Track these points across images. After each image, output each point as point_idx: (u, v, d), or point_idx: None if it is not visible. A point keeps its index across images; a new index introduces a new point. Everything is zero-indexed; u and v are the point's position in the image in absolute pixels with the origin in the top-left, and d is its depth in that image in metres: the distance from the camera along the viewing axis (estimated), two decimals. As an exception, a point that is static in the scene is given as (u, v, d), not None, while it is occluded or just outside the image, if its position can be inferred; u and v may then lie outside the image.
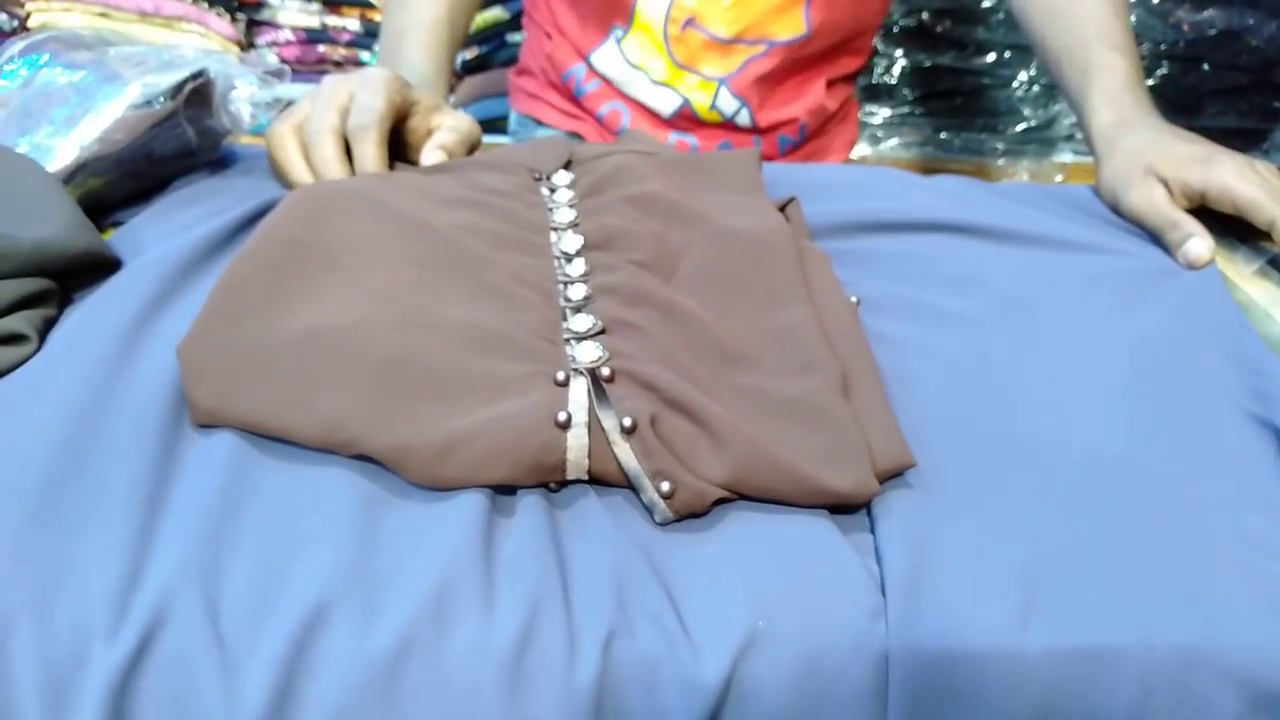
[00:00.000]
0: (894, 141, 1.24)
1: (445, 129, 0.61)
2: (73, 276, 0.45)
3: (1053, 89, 1.20)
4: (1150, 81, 1.21)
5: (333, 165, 0.55)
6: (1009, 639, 0.35)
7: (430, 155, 0.59)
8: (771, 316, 0.46)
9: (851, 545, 0.37)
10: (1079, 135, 1.27)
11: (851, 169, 0.70)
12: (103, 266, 0.46)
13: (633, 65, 0.84)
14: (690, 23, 0.81)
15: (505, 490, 0.38)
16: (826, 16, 0.82)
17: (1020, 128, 1.22)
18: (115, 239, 0.50)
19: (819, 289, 0.49)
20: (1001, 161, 1.22)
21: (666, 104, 0.85)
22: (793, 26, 0.82)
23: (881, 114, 1.24)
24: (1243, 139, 1.25)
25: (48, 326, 0.42)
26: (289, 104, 0.61)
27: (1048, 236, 0.59)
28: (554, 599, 0.34)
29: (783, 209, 0.56)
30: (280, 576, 0.34)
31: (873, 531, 0.38)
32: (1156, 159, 0.62)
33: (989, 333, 0.50)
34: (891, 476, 0.39)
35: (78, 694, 0.32)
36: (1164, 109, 1.23)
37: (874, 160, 1.24)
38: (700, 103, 0.84)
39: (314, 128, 0.56)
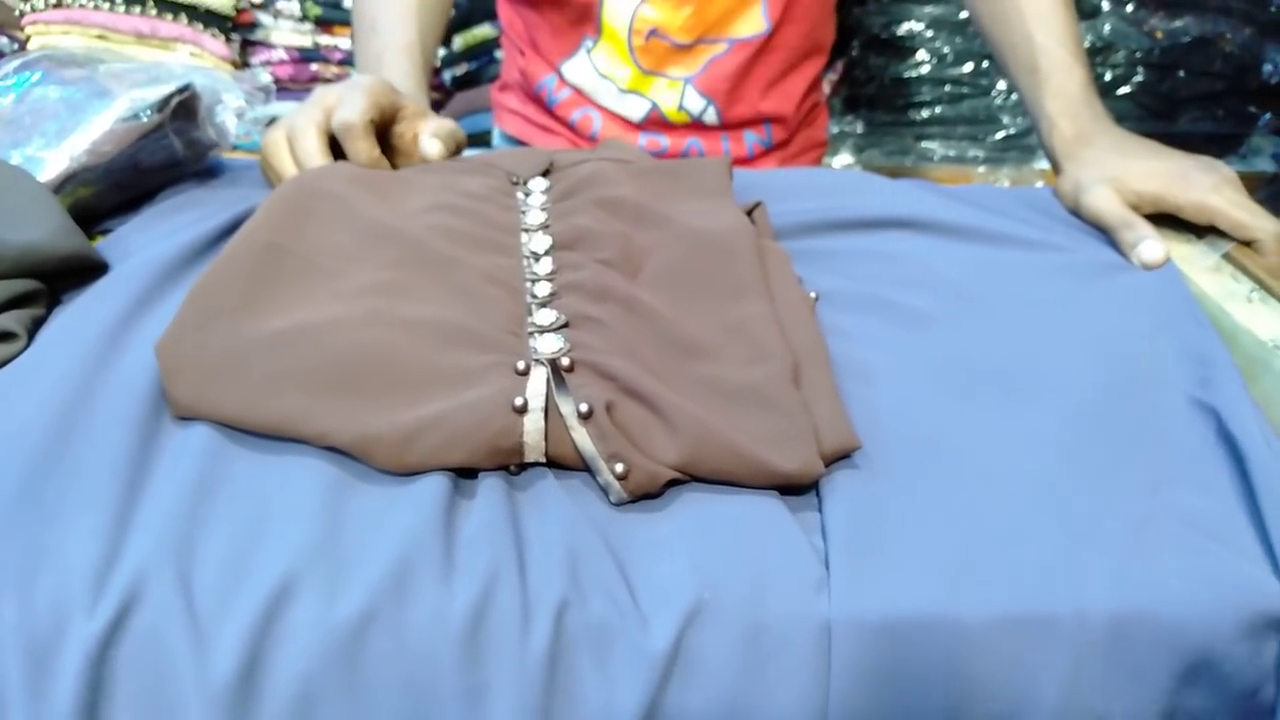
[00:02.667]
0: (875, 151, 1.27)
1: (435, 123, 0.64)
2: (61, 279, 0.47)
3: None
4: (1126, 89, 1.23)
5: (314, 158, 0.58)
6: (945, 609, 0.36)
7: (429, 145, 0.62)
8: (731, 311, 0.48)
9: (799, 523, 0.39)
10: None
11: (817, 172, 0.72)
12: (90, 269, 0.48)
13: (602, 75, 0.87)
14: (653, 33, 0.84)
15: (468, 474, 0.40)
16: (785, 13, 0.84)
17: (1000, 135, 1.25)
18: (104, 245, 0.53)
19: (778, 285, 0.51)
20: (982, 169, 1.24)
21: (636, 110, 0.87)
22: (753, 24, 0.84)
23: (862, 124, 1.27)
24: (1219, 144, 1.27)
25: (36, 325, 0.44)
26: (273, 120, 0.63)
27: (1005, 234, 0.61)
28: (510, 572, 0.36)
29: (750, 212, 0.58)
30: (250, 555, 0.36)
31: (820, 510, 0.40)
32: (1124, 173, 0.64)
33: (943, 326, 0.52)
34: (837, 459, 0.41)
35: (57, 662, 0.34)
36: (1141, 116, 1.26)
37: (856, 170, 1.27)
38: (668, 105, 0.87)
39: (299, 124, 0.59)
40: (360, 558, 0.36)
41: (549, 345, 0.44)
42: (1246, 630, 0.37)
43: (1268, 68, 1.20)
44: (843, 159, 1.29)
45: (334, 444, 0.40)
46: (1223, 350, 0.50)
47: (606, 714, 0.35)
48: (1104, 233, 0.63)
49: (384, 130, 0.62)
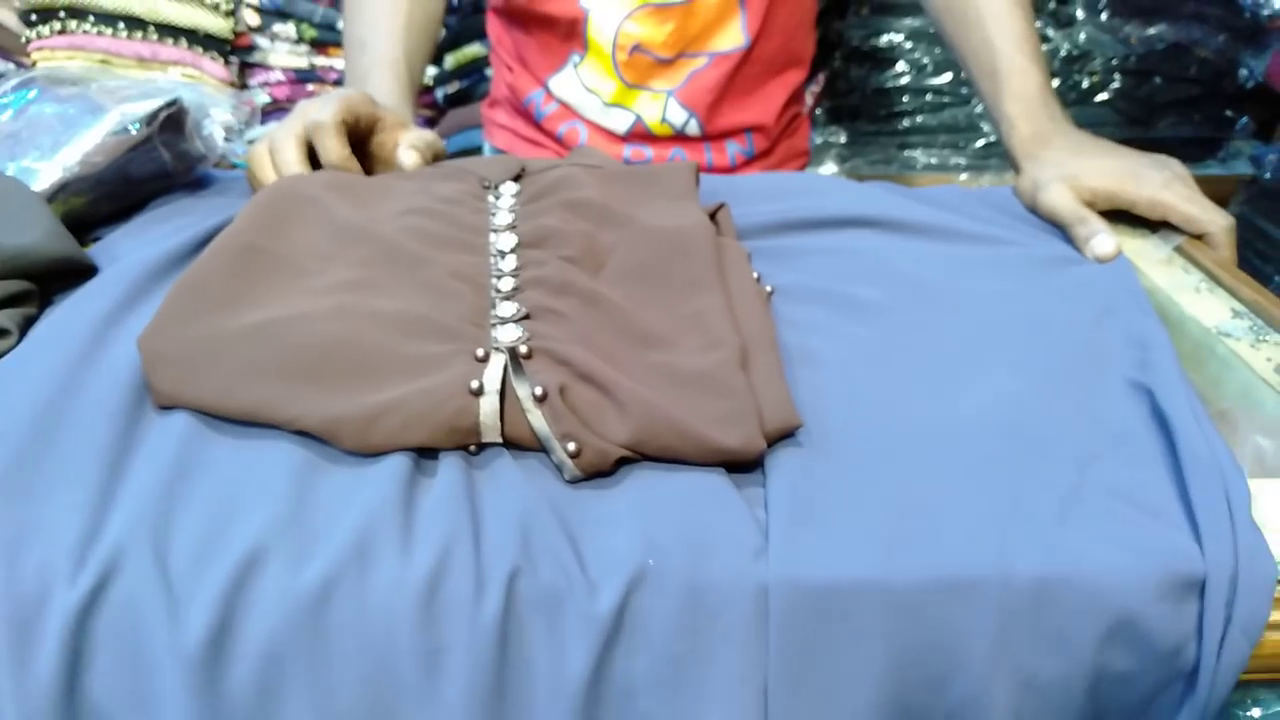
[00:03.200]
0: (858, 160, 1.29)
1: (414, 133, 0.67)
2: (52, 280, 0.49)
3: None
4: (1104, 95, 1.25)
5: (293, 166, 0.61)
6: (876, 572, 0.38)
7: (405, 155, 0.65)
8: (687, 304, 0.50)
9: (744, 497, 0.41)
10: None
11: (783, 176, 0.75)
12: (80, 272, 0.51)
13: (588, 89, 0.89)
14: (636, 48, 0.86)
15: (429, 455, 0.42)
16: (763, 27, 0.87)
17: (981, 144, 1.27)
18: (94, 250, 0.55)
19: (734, 279, 0.53)
20: (964, 177, 1.27)
21: (620, 123, 0.90)
22: (732, 38, 0.87)
23: (845, 134, 1.29)
24: (1198, 148, 1.30)
25: (28, 323, 0.47)
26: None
27: (960, 231, 0.63)
28: (465, 542, 0.38)
29: (714, 214, 0.61)
30: (222, 530, 0.38)
31: (764, 485, 0.42)
32: (1080, 171, 0.66)
33: (893, 316, 0.54)
34: (782, 436, 0.43)
35: (40, 629, 0.36)
36: (1118, 122, 1.28)
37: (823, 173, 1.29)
38: (651, 117, 0.89)
39: (278, 135, 0.62)
40: (325, 530, 0.38)
41: (509, 334, 0.46)
42: (1167, 592, 0.39)
43: (1243, 72, 1.22)
44: (828, 169, 1.32)
45: (304, 427, 0.42)
46: (1163, 335, 0.52)
47: (556, 674, 0.37)
48: (1060, 229, 0.66)
49: (364, 139, 0.65)
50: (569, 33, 0.88)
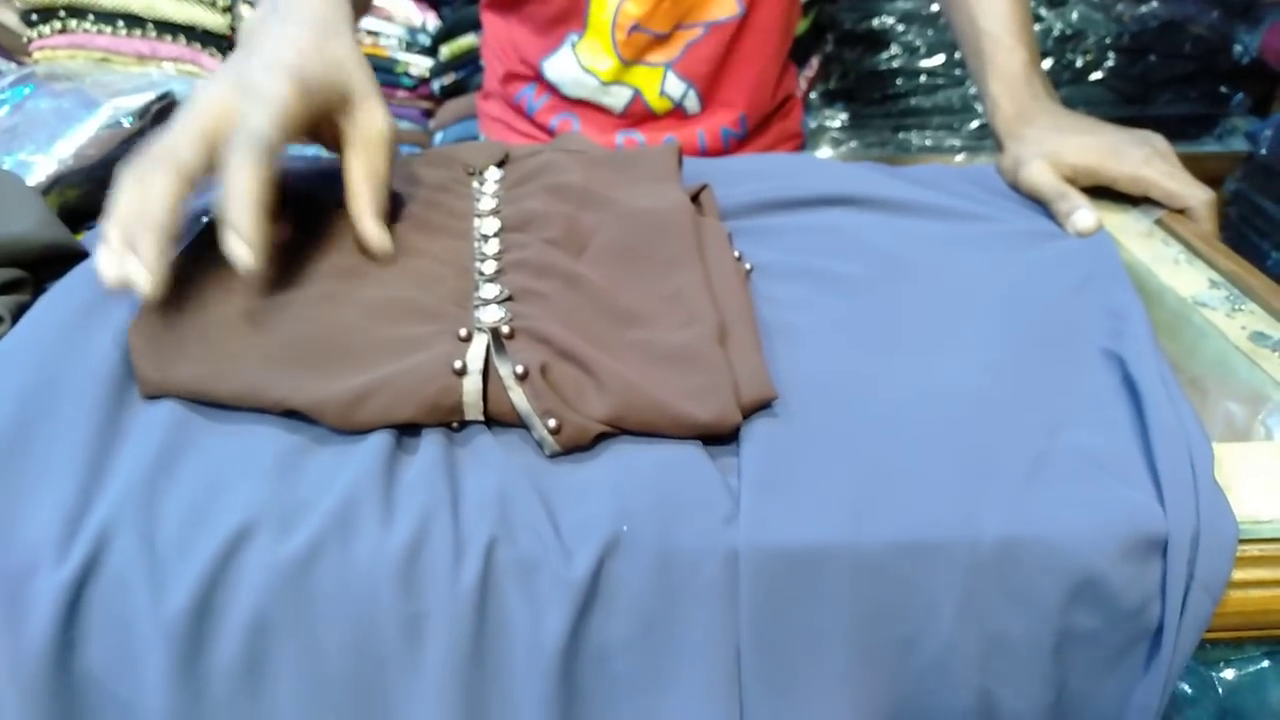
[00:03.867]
0: (854, 143, 1.30)
1: (361, 172, 0.51)
2: (45, 268, 0.51)
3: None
4: (1098, 74, 1.25)
5: (158, 210, 0.43)
6: (844, 535, 0.39)
7: (370, 234, 0.51)
8: (666, 282, 0.51)
9: (718, 467, 0.42)
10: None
11: (768, 156, 0.75)
12: (72, 259, 0.52)
13: (585, 69, 0.90)
14: (635, 27, 0.87)
15: (412, 432, 0.43)
16: None
17: (975, 124, 1.27)
18: (87, 239, 0.57)
19: (713, 257, 0.54)
20: (960, 158, 1.27)
21: (618, 100, 0.91)
22: (727, 6, 0.88)
23: (840, 117, 1.30)
24: (1195, 125, 1.30)
25: (21, 310, 0.48)
26: None
27: (941, 208, 0.64)
28: (444, 513, 0.39)
29: (697, 195, 0.62)
30: (208, 508, 0.39)
31: (739, 455, 0.43)
32: (1061, 148, 0.67)
33: (871, 291, 0.55)
34: (756, 409, 0.44)
35: (32, 604, 0.37)
36: (1114, 100, 1.28)
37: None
38: (650, 91, 0.90)
39: (152, 156, 0.45)
40: (309, 504, 0.39)
41: (491, 315, 0.47)
42: (1130, 552, 0.40)
43: (1237, 48, 1.22)
44: (823, 152, 1.32)
45: (291, 408, 0.43)
46: (1138, 305, 0.53)
47: (534, 639, 0.38)
48: (1041, 205, 0.66)
49: (324, 125, 0.51)
50: (568, 12, 0.88)
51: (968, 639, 0.40)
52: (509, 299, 0.49)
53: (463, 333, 0.45)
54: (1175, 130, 1.28)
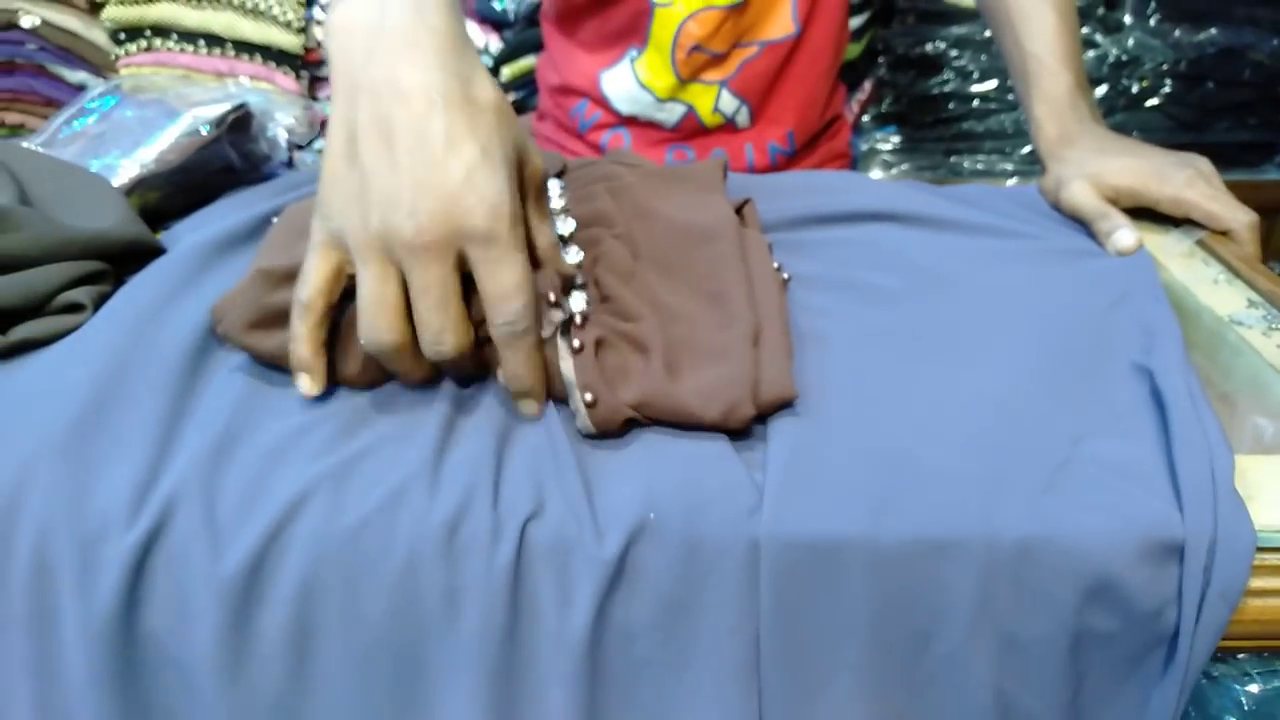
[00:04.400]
0: (906, 166, 1.30)
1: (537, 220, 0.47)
2: (126, 261, 0.55)
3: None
4: (1155, 100, 1.25)
5: (306, 355, 0.44)
6: (864, 530, 0.41)
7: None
8: (709, 286, 0.53)
9: (744, 461, 0.44)
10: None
11: (813, 173, 0.77)
12: (150, 254, 0.56)
13: (642, 84, 0.93)
14: (696, 47, 0.90)
15: (465, 412, 0.46)
16: (811, 11, 0.90)
17: (1027, 149, 1.27)
18: (164, 237, 0.61)
19: (754, 266, 0.56)
20: (1012, 182, 1.27)
21: (672, 116, 0.93)
22: (783, 26, 0.90)
23: (893, 140, 1.31)
24: (1253, 152, 1.28)
25: (102, 299, 0.52)
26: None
27: (982, 225, 0.65)
28: (485, 493, 0.41)
29: (741, 208, 0.64)
30: (264, 483, 0.42)
31: (766, 451, 0.45)
32: (1103, 169, 0.67)
33: (906, 302, 0.56)
34: (778, 408, 0.46)
35: (102, 566, 0.40)
36: (1171, 127, 1.27)
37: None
38: (703, 107, 0.93)
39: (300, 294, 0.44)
40: (361, 481, 0.42)
41: (578, 302, 0.49)
42: (1146, 556, 0.40)
43: (1299, 76, 1.21)
44: (875, 174, 1.33)
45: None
46: (1172, 322, 0.53)
47: (562, 617, 0.40)
48: (1082, 225, 0.67)
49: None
50: (631, 27, 0.91)
51: (983, 636, 0.41)
52: (590, 285, 0.51)
53: (552, 297, 0.46)
54: (1234, 157, 1.27)
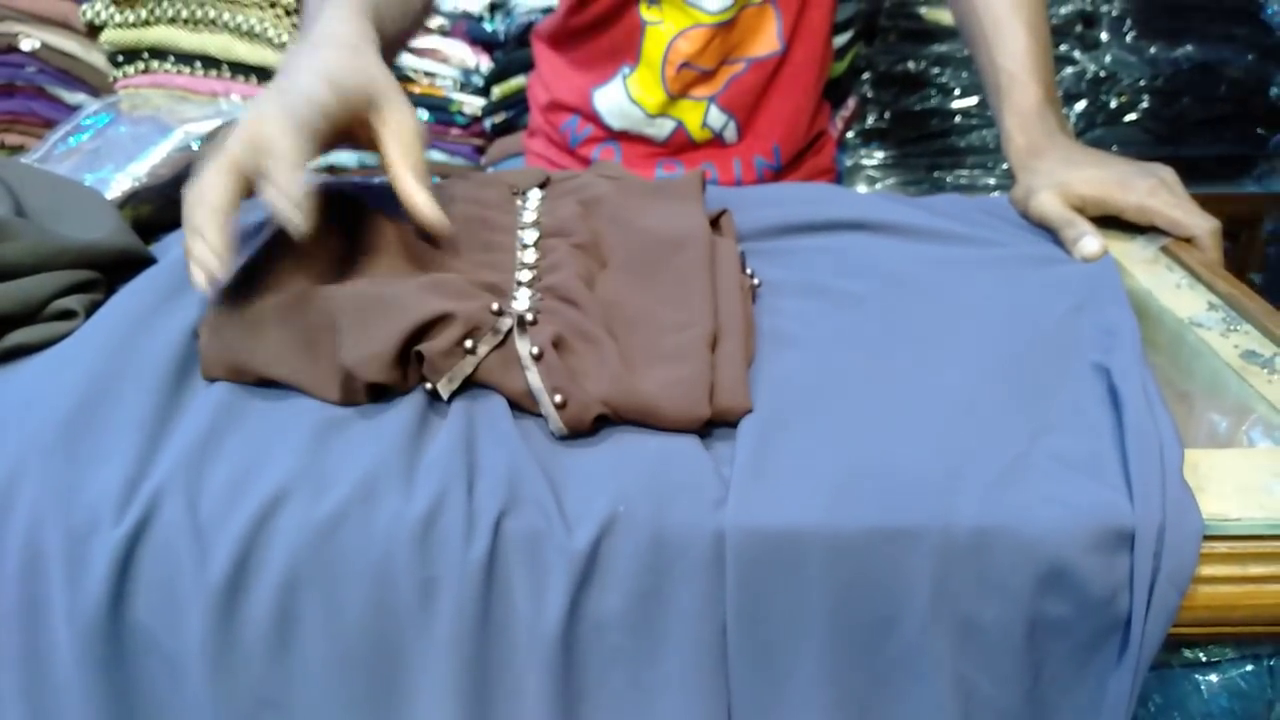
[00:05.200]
0: (890, 181, 1.33)
1: (399, 155, 0.55)
2: (117, 271, 0.56)
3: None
4: (1132, 116, 1.27)
5: (209, 261, 0.47)
6: (825, 519, 0.42)
7: (422, 211, 0.55)
8: (674, 291, 0.55)
9: (712, 456, 0.46)
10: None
11: (789, 185, 0.79)
12: (141, 264, 0.57)
13: (633, 100, 0.95)
14: (685, 64, 0.92)
15: (439, 414, 0.47)
16: (795, 30, 0.93)
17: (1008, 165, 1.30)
18: (155, 249, 0.62)
19: (722, 273, 0.58)
20: (995, 196, 1.29)
21: (661, 131, 0.96)
22: (768, 44, 0.93)
23: (877, 156, 1.33)
24: (1230, 166, 1.30)
25: (94, 307, 0.54)
26: None
27: (950, 233, 0.67)
28: (459, 488, 0.43)
29: (717, 219, 0.66)
30: (247, 482, 0.44)
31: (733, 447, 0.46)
32: (1070, 179, 0.69)
33: (873, 305, 0.58)
34: (731, 415, 0.47)
35: (90, 559, 0.42)
36: (1148, 142, 1.30)
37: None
38: (692, 122, 0.95)
39: (193, 203, 0.49)
40: (338, 476, 0.43)
41: (522, 304, 0.51)
42: (1098, 543, 0.42)
43: (1275, 90, 1.23)
44: (860, 190, 1.35)
45: (340, 364, 0.47)
46: (1131, 323, 0.55)
47: (536, 608, 0.42)
48: (1050, 233, 0.69)
49: (355, 122, 0.54)
50: (624, 45, 0.93)
51: (943, 623, 0.42)
52: (538, 290, 0.53)
53: (495, 306, 0.49)
54: (1211, 171, 1.29)
